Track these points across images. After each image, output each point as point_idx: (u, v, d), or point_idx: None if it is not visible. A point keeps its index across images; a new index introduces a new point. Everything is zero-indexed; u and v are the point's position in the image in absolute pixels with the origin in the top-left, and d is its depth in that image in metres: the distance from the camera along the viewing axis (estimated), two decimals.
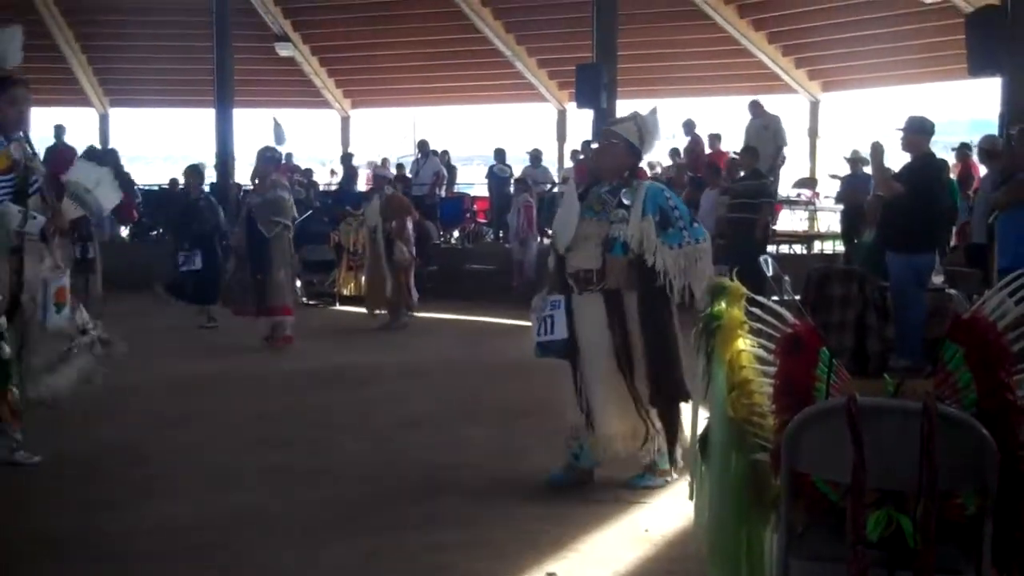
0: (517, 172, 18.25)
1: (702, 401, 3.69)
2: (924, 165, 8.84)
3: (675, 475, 5.42)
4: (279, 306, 10.63)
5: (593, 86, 14.97)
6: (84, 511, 5.20)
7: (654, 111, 5.74)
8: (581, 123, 18.40)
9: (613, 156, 5.54)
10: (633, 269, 5.29)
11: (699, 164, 15.72)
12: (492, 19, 20.47)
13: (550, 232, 5.88)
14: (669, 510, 5.07)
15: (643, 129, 5.55)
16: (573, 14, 18.44)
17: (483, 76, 21.98)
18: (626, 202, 5.34)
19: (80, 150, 18.00)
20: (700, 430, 3.65)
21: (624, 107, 14.52)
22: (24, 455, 5.92)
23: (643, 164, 7.52)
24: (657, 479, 5.44)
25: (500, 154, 19.04)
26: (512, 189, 16.77)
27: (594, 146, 5.65)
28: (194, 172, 13.15)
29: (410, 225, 12.38)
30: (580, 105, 15.65)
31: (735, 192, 12.43)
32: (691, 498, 3.72)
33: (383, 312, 12.29)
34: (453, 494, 5.43)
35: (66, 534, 4.84)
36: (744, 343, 3.40)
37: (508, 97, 22.93)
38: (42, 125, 18.93)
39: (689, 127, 17.10)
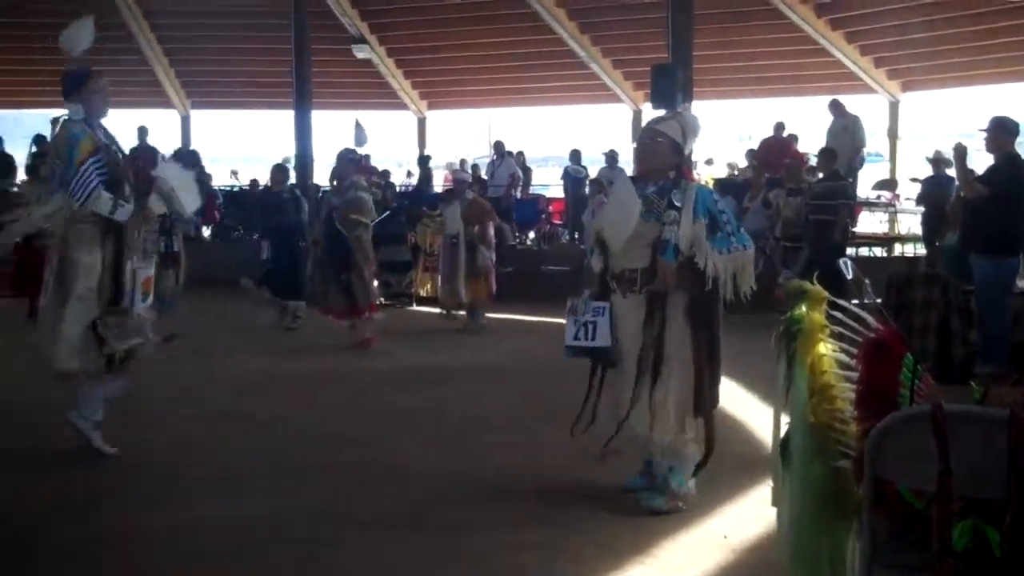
0: (592, 173, 18.22)
1: (783, 406, 3.66)
2: (1009, 166, 8.65)
3: (694, 491, 5.26)
4: (364, 305, 10.74)
5: (668, 86, 14.85)
6: (159, 506, 5.31)
7: (687, 107, 5.71)
8: None
9: (659, 155, 5.39)
10: (682, 272, 5.18)
11: (779, 166, 15.55)
12: (567, 20, 20.44)
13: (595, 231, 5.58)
14: (748, 516, 5.03)
15: (686, 127, 5.45)
16: (648, 14, 18.34)
17: (558, 77, 21.95)
18: (677, 203, 5.24)
19: (162, 151, 18.39)
20: (781, 435, 3.62)
21: (700, 108, 14.43)
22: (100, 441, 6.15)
23: (721, 164, 7.46)
24: (671, 501, 5.21)
25: (575, 155, 19.03)
26: (587, 190, 16.74)
27: (634, 146, 5.53)
28: (280, 170, 13.40)
29: (491, 229, 12.41)
30: (655, 106, 15.48)
31: (814, 194, 12.28)
32: (773, 504, 3.69)
33: (460, 314, 12.36)
34: (527, 496, 5.44)
35: (142, 528, 4.94)
36: (825, 347, 3.37)
37: (583, 98, 22.87)
38: (126, 126, 19.30)
39: (779, 128, 16.91)
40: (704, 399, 5.19)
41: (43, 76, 21.83)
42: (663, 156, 5.37)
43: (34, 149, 18.14)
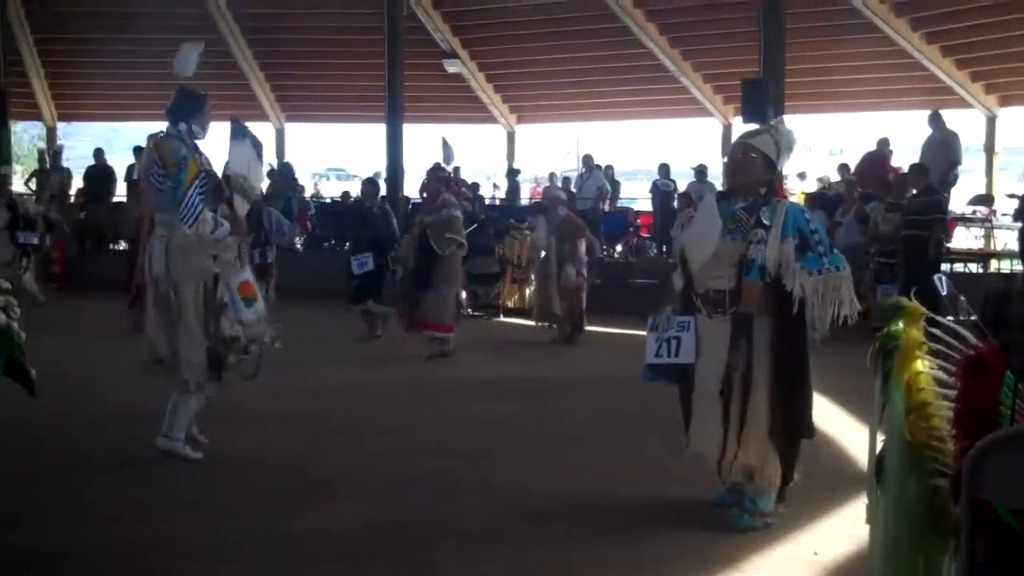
0: (681, 187, 18.14)
1: (878, 424, 3.62)
2: None
3: (783, 513, 5.14)
4: (441, 322, 10.78)
5: (759, 101, 14.78)
6: (251, 513, 5.41)
7: (782, 121, 5.51)
8: None
9: (751, 171, 5.22)
10: (768, 294, 5.00)
11: (878, 180, 15.33)
12: (657, 34, 20.40)
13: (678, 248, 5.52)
14: (839, 533, 4.97)
15: (780, 141, 5.27)
16: (739, 28, 18.25)
17: (648, 91, 21.89)
18: (765, 222, 5.05)
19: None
20: (877, 453, 3.58)
21: (791, 122, 14.31)
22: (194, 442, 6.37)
23: (813, 178, 7.35)
24: (756, 520, 5.10)
25: (664, 169, 18.97)
26: (676, 204, 16.68)
27: (725, 160, 5.39)
28: (370, 183, 13.53)
29: (583, 246, 12.41)
30: (746, 120, 15.45)
31: (908, 209, 12.10)
32: (867, 522, 3.66)
33: (552, 326, 12.38)
34: (615, 510, 5.43)
35: (236, 534, 5.03)
36: (923, 364, 3.33)
37: (672, 112, 22.79)
38: (223, 139, 19.68)
39: (883, 144, 16.65)
40: (794, 425, 5.05)
41: (143, 91, 22.46)
42: (755, 172, 5.21)
43: (134, 160, 18.65)
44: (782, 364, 5.01)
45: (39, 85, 23.40)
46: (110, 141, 26.80)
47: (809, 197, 16.83)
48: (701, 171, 18.45)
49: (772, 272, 4.98)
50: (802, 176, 21.29)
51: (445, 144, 11.37)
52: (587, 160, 20.07)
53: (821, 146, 27.90)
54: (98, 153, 20.18)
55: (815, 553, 4.76)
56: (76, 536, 4.97)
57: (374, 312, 12.17)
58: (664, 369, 5.25)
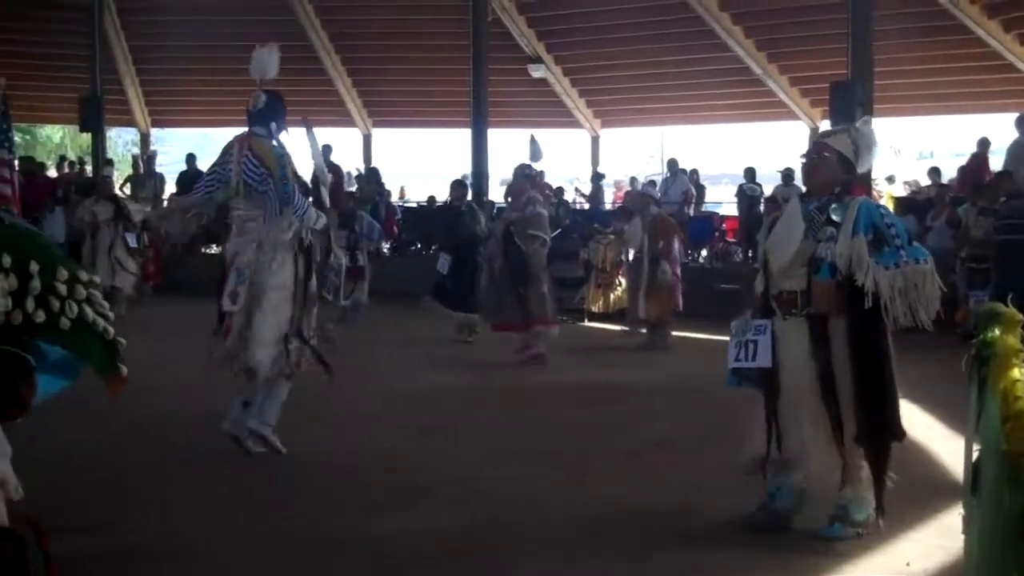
0: (768, 191, 17.99)
1: (974, 433, 3.58)
2: None
3: (881, 524, 4.92)
4: (542, 318, 10.78)
5: (848, 104, 14.60)
6: (335, 513, 5.48)
7: (868, 121, 5.36)
8: None
9: (825, 171, 5.12)
10: (842, 292, 4.86)
11: (967, 185, 15.04)
12: (743, 37, 20.27)
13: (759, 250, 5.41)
14: (932, 544, 4.87)
15: (859, 142, 5.13)
16: (827, 30, 18.04)
17: (733, 94, 21.75)
18: (835, 219, 4.93)
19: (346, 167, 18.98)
20: (972, 463, 3.54)
21: (880, 125, 14.12)
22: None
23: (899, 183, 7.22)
24: (848, 530, 4.96)
25: (750, 172, 18.83)
26: (763, 208, 16.55)
27: (802, 160, 5.26)
28: (459, 185, 13.63)
29: (677, 245, 12.37)
30: (834, 124, 15.28)
31: (1000, 214, 11.87)
32: (963, 532, 3.61)
33: (642, 331, 12.35)
34: (700, 516, 5.37)
35: (331, 536, 5.10)
36: (1020, 372, 3.28)
37: (758, 115, 22.63)
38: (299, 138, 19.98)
39: (983, 145, 16.34)
40: (880, 428, 4.90)
41: (233, 96, 22.84)
42: (829, 171, 5.11)
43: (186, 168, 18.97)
44: (863, 364, 4.86)
45: (133, 92, 23.98)
46: (201, 146, 27.26)
47: (898, 201, 16.58)
48: (788, 175, 18.27)
49: (843, 270, 4.84)
50: (891, 180, 20.98)
51: (533, 142, 11.34)
52: (672, 164, 20.01)
53: (910, 149, 27.45)
54: (190, 158, 20.61)
55: (907, 564, 4.67)
56: (167, 535, 5.09)
57: (464, 318, 12.24)
58: (747, 374, 5.16)
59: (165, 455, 6.60)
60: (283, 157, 6.45)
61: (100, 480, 6.07)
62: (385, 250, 19.11)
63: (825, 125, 18.63)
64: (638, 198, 14.22)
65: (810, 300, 4.95)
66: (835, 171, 5.11)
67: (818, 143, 5.28)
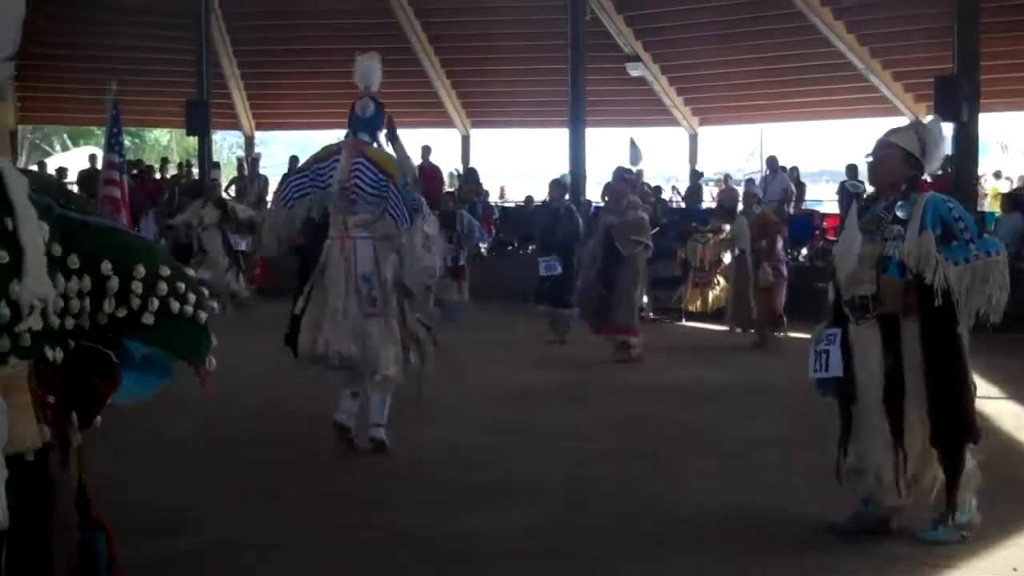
0: (871, 188, 17.69)
1: None
2: None
3: (976, 521, 4.81)
4: (625, 325, 10.81)
5: (953, 98, 14.32)
6: (426, 512, 5.53)
7: (937, 119, 5.26)
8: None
9: (888, 169, 5.01)
10: (912, 291, 4.75)
11: None
12: (845, 32, 19.96)
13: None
14: None
15: (925, 139, 4.98)
16: (931, 24, 17.70)
17: (834, 91, 21.43)
18: (901, 216, 4.82)
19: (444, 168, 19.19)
20: None
21: (989, 120, 13.82)
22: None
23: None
24: (951, 533, 4.81)
25: (852, 169, 18.50)
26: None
27: (868, 159, 5.14)
28: (557, 185, 13.64)
29: (780, 243, 12.24)
30: (939, 119, 14.96)
31: None
32: None
33: (749, 331, 12.28)
34: (803, 518, 5.29)
35: (415, 533, 5.15)
36: None
37: (860, 111, 22.23)
38: (411, 145, 20.23)
39: None
40: (954, 430, 4.74)
41: (335, 99, 23.21)
42: (893, 169, 4.99)
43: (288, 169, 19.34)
44: (935, 364, 4.74)
45: (238, 96, 24.49)
46: (304, 148, 27.76)
47: (1006, 197, 16.19)
48: (852, 168, 17.99)
49: (912, 268, 4.73)
50: (997, 175, 20.52)
51: (633, 145, 11.33)
52: (771, 162, 19.81)
53: (1018, 144, 26.75)
54: (293, 160, 20.93)
55: (1014, 569, 4.56)
56: (251, 534, 5.19)
57: (560, 317, 12.28)
58: (828, 384, 5.07)
59: (251, 454, 6.74)
60: (404, 163, 6.65)
61: (188, 478, 6.21)
62: (482, 250, 19.25)
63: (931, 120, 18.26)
64: (733, 196, 14.11)
65: (880, 301, 4.84)
66: (899, 168, 4.99)
67: (882, 140, 5.14)
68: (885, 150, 5.06)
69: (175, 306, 2.44)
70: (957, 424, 4.74)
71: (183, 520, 5.32)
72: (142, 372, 2.56)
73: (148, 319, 2.41)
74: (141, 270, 2.38)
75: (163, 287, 2.41)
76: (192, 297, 2.48)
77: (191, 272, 2.57)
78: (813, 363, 5.03)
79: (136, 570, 4.56)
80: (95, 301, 2.35)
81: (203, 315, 2.53)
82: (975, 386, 4.87)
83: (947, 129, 15.59)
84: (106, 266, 2.34)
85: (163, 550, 4.82)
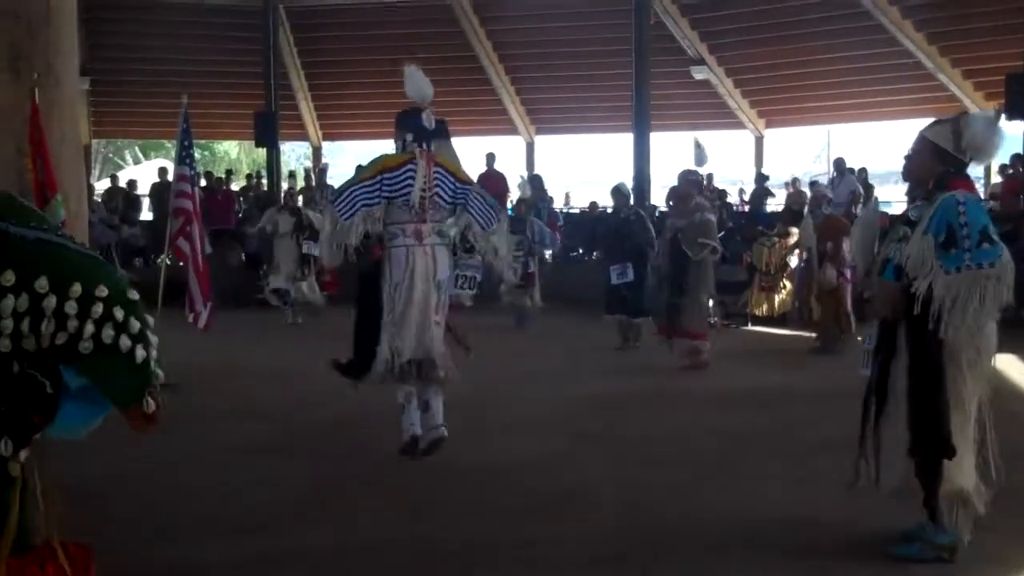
0: None
1: None
2: None
3: (963, 539, 4.64)
4: (694, 330, 10.74)
5: None
6: (493, 519, 5.57)
7: (991, 112, 4.94)
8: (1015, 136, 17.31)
9: (915, 164, 4.80)
10: (907, 296, 4.54)
11: None
12: (913, 31, 19.76)
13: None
14: None
15: (963, 132, 4.66)
16: (1001, 20, 17.45)
17: (903, 90, 21.19)
18: (913, 217, 4.61)
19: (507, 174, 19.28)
20: None
21: None
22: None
23: None
24: (925, 551, 4.67)
25: None
26: None
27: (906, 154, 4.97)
28: (619, 193, 13.26)
29: (846, 247, 12.07)
30: (1010, 117, 14.78)
31: None
32: None
33: (812, 335, 12.18)
34: (870, 526, 5.20)
35: (481, 539, 5.20)
36: None
37: (929, 110, 21.79)
38: (475, 153, 20.42)
39: None
40: (921, 445, 4.57)
41: (396, 109, 23.37)
42: (922, 165, 4.77)
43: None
44: (917, 374, 4.57)
45: (305, 107, 24.81)
46: (370, 158, 28.08)
47: None
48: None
49: (909, 272, 4.52)
50: None
51: (698, 146, 11.21)
52: (839, 163, 19.62)
53: None
54: (359, 170, 21.18)
55: None
56: (329, 540, 5.26)
57: (632, 326, 12.25)
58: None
59: (321, 460, 6.82)
60: (460, 169, 6.86)
61: (260, 483, 6.32)
62: (547, 256, 19.30)
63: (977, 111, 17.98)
64: (802, 199, 13.98)
65: (877, 304, 4.72)
66: (927, 164, 4.75)
67: (917, 135, 4.89)
68: (916, 145, 4.85)
69: (108, 334, 2.25)
70: (930, 438, 4.56)
71: (252, 524, 5.44)
72: (82, 402, 2.40)
73: (84, 346, 2.25)
74: (77, 288, 2.22)
75: (98, 309, 2.24)
76: (133, 325, 2.30)
77: (135, 296, 2.37)
78: (862, 363, 5.00)
79: (202, 571, 4.70)
80: (34, 322, 2.21)
81: (140, 353, 2.32)
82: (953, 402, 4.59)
83: (1019, 127, 15.45)
84: (41, 283, 2.19)
85: (232, 554, 4.94)
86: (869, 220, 5.13)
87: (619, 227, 12.70)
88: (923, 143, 4.80)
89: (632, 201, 13.90)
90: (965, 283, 4.39)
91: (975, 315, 4.39)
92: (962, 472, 4.63)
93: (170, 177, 21.82)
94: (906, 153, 4.92)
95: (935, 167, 4.71)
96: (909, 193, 5.06)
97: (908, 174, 4.95)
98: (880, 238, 4.94)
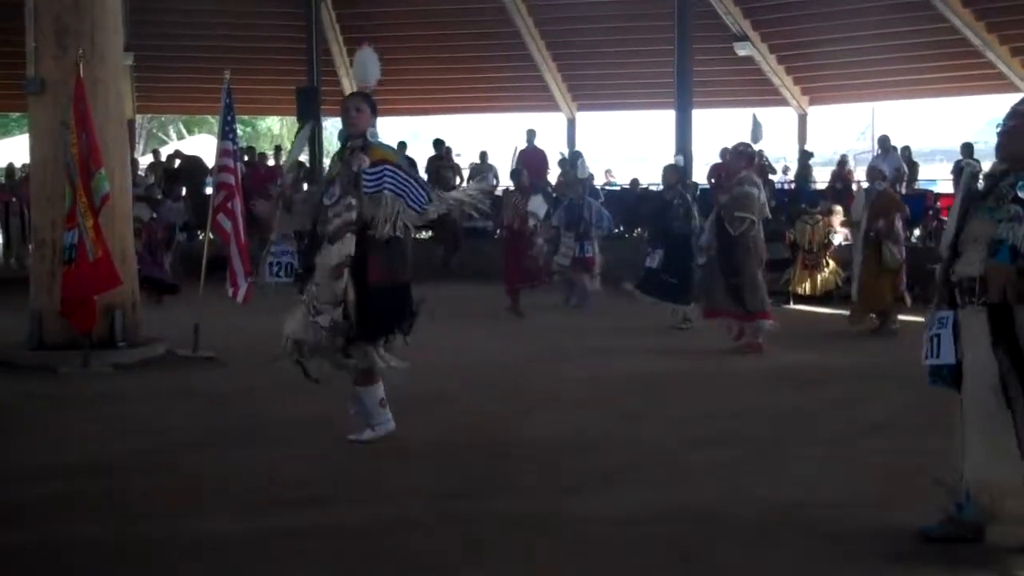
0: (987, 167, 17.24)
1: None
2: None
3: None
4: (755, 310, 10.32)
5: None
6: (535, 497, 5.56)
7: None
8: None
9: (1016, 140, 4.55)
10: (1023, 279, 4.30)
11: None
12: (961, 7, 19.46)
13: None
14: None
15: None
16: None
17: (949, 67, 20.89)
18: (1022, 195, 4.38)
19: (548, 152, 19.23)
20: None
21: None
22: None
23: None
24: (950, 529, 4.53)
25: (967, 148, 18.08)
26: (980, 185, 15.85)
27: (998, 129, 4.70)
28: (672, 171, 12.84)
29: (899, 224, 11.86)
30: None
31: None
32: None
33: (872, 316, 11.92)
34: (911, 510, 5.06)
35: (531, 517, 5.19)
36: None
37: (977, 88, 21.64)
38: (516, 129, 20.38)
39: None
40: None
41: (444, 84, 23.48)
42: (1021, 141, 4.56)
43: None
44: None
45: (347, 83, 24.81)
46: (415, 135, 28.18)
47: None
48: (967, 146, 17.49)
49: None
50: None
51: (755, 121, 11.00)
52: (883, 141, 19.39)
53: None
54: (401, 146, 21.25)
55: None
56: (385, 512, 5.30)
57: (676, 312, 12.08)
58: (940, 373, 4.68)
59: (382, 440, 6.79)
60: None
61: (297, 458, 6.34)
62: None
63: None
64: (869, 170, 13.48)
65: (987, 287, 4.41)
66: None
67: (1014, 111, 4.67)
68: (1014, 120, 4.63)
69: None
70: None
71: (287, 499, 5.47)
72: None
73: None
74: None
75: None
76: None
77: None
78: (925, 349, 4.63)
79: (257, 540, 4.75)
80: None
81: None
82: None
83: None
84: None
85: (259, 528, 5.00)
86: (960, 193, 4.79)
87: (663, 210, 12.45)
88: (1021, 118, 4.59)
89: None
90: None
91: None
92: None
93: (193, 152, 22.08)
94: (1000, 129, 4.68)
95: None
96: (1005, 170, 4.59)
97: (1004, 149, 4.65)
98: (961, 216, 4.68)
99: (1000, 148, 4.69)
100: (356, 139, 6.44)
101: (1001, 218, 4.40)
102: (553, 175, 19.56)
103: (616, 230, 19.26)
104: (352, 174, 6.26)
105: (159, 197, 18.29)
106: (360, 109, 6.50)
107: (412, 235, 6.51)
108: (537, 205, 13.84)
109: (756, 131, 10.83)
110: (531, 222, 13.57)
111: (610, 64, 23.09)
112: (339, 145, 7.04)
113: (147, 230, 14.70)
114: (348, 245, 6.19)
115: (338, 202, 6.25)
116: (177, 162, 22.40)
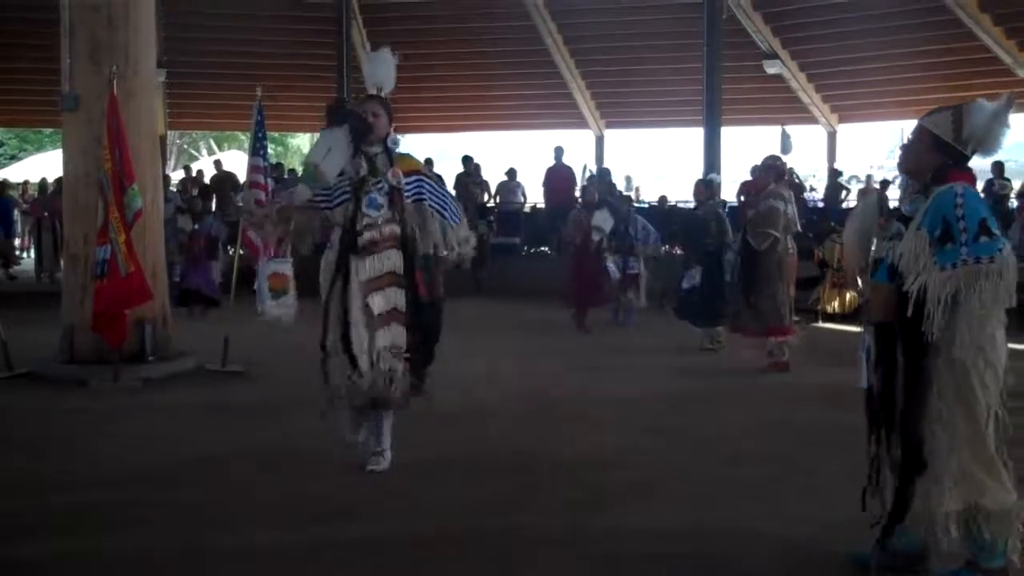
0: (1018, 186, 17.15)
1: None
2: None
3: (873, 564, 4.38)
4: (775, 327, 10.20)
5: None
6: (562, 513, 5.55)
7: (1001, 100, 4.29)
8: None
9: (913, 155, 4.37)
10: (901, 297, 4.15)
11: None
12: (991, 24, 19.42)
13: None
14: None
15: (964, 119, 4.23)
16: None
17: (980, 86, 20.73)
18: (907, 212, 4.26)
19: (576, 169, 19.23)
20: None
21: None
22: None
23: None
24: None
25: (998, 167, 17.99)
26: (1014, 204, 15.80)
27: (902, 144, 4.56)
28: (704, 186, 12.72)
29: None
30: None
31: None
32: None
33: None
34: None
35: (558, 533, 5.19)
36: None
37: None
38: (545, 146, 20.41)
39: None
40: (904, 462, 4.27)
41: (469, 102, 23.53)
42: (917, 156, 4.34)
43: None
44: (905, 382, 4.23)
45: None
46: (442, 152, 28.26)
47: None
48: (998, 164, 17.39)
49: (904, 271, 4.13)
50: None
51: (784, 135, 10.92)
52: None
53: None
54: (428, 163, 21.31)
55: None
56: (405, 529, 5.29)
57: (708, 332, 11.96)
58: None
59: (404, 451, 6.81)
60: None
61: (351, 471, 6.32)
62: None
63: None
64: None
65: (870, 308, 4.34)
66: (923, 156, 4.32)
67: (918, 125, 4.42)
68: (913, 135, 4.41)
69: None
70: (908, 452, 4.26)
71: (338, 510, 5.50)
72: None
73: None
74: None
75: None
76: None
77: None
78: (860, 371, 4.52)
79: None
80: None
81: None
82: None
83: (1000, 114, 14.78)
84: None
85: (288, 540, 5.01)
86: (865, 213, 4.62)
87: (696, 227, 12.30)
88: (920, 133, 4.36)
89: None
90: (962, 280, 4.00)
91: (980, 320, 4.01)
92: (979, 488, 4.13)
93: (226, 168, 22.21)
94: (902, 143, 4.54)
95: (933, 159, 4.29)
96: (903, 188, 4.57)
97: (903, 166, 4.49)
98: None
99: (900, 162, 4.56)
100: (374, 146, 6.14)
101: (884, 236, 4.35)
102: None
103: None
104: (390, 187, 6.07)
105: (199, 210, 18.38)
106: (377, 114, 6.12)
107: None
108: (602, 219, 13.52)
109: (785, 143, 10.74)
110: (595, 235, 13.39)
111: (639, 81, 23.15)
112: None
113: (190, 241, 14.81)
114: (395, 260, 6.03)
115: (380, 212, 6.04)
116: (213, 172, 22.54)
